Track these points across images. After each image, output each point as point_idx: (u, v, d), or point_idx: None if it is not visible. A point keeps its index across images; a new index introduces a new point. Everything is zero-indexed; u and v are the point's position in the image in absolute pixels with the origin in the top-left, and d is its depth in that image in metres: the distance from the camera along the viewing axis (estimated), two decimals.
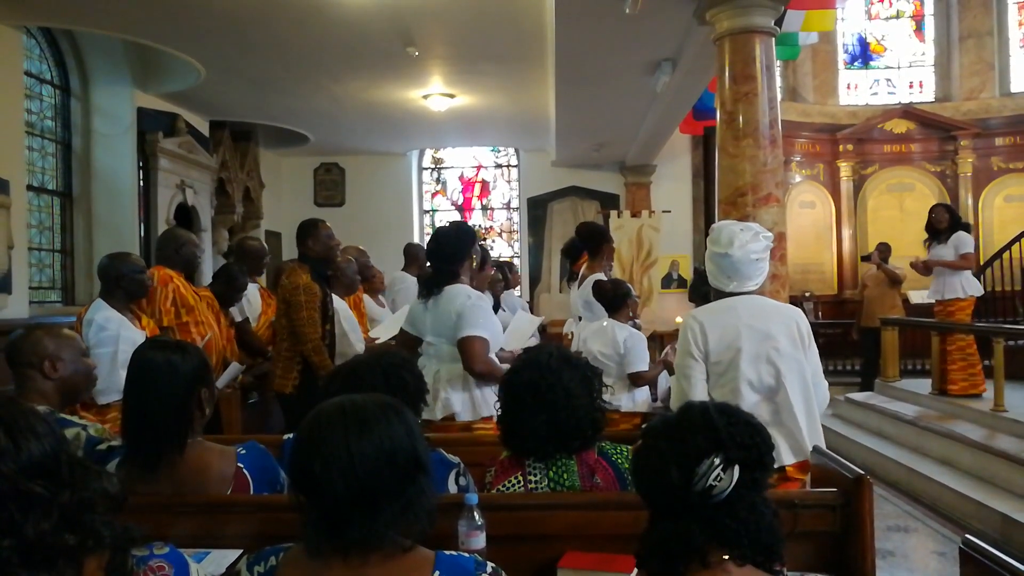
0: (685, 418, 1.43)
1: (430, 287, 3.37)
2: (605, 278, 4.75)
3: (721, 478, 1.34)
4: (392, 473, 1.34)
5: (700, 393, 2.70)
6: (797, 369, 2.69)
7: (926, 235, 6.81)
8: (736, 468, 1.35)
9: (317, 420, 1.38)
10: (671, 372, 4.27)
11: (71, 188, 8.24)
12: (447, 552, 1.40)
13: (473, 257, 3.40)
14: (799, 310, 2.89)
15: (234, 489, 1.98)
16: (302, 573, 1.36)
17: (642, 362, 4.20)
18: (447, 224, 3.64)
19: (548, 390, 2.00)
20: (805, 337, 2.74)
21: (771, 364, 2.68)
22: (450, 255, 3.37)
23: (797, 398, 2.66)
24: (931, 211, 6.88)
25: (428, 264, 3.66)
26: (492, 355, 3.27)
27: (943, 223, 6.61)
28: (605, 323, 4.33)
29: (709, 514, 1.35)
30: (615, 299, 4.32)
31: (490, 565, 1.40)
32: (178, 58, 7.68)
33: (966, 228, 6.60)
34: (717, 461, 1.34)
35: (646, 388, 4.32)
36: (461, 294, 3.28)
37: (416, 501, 1.36)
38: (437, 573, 1.35)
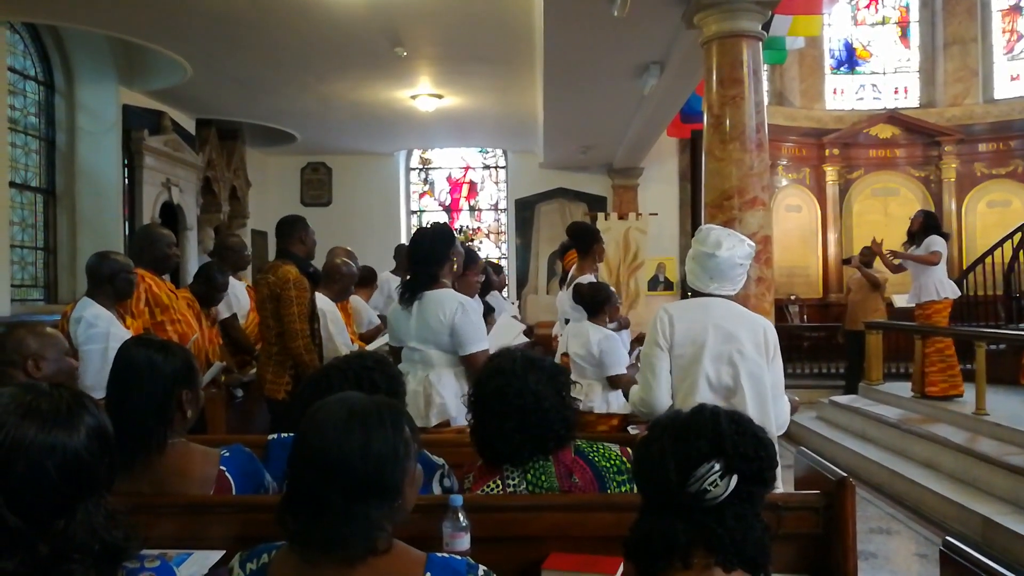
0: (694, 419, 1.44)
1: (411, 291, 3.27)
2: (595, 279, 4.74)
3: (717, 484, 1.35)
4: (392, 471, 1.34)
5: (664, 384, 2.73)
6: (757, 374, 2.69)
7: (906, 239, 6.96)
8: (734, 478, 1.36)
9: (322, 415, 1.37)
10: None
11: (54, 185, 8.16)
12: (439, 554, 1.39)
13: (454, 260, 3.30)
14: (770, 322, 2.88)
15: (215, 492, 1.96)
16: (292, 572, 1.34)
17: (618, 365, 4.13)
18: (426, 225, 3.55)
19: (516, 396, 1.98)
20: (771, 348, 2.74)
21: (731, 365, 2.68)
22: (428, 257, 3.27)
23: (753, 402, 2.64)
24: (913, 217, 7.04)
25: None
26: None
27: (916, 226, 6.74)
28: (582, 324, 4.31)
29: (697, 517, 1.35)
30: (592, 303, 4.28)
31: (482, 568, 1.38)
32: (164, 55, 7.63)
33: (944, 235, 6.67)
34: (717, 467, 1.35)
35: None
36: (451, 301, 3.17)
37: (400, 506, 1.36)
38: (428, 574, 1.33)
